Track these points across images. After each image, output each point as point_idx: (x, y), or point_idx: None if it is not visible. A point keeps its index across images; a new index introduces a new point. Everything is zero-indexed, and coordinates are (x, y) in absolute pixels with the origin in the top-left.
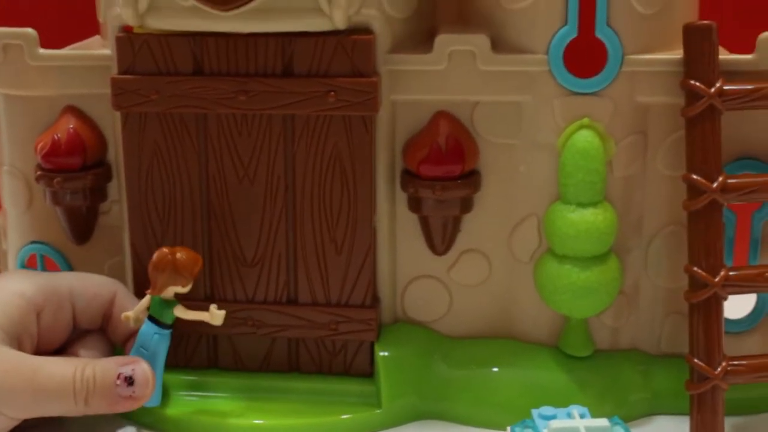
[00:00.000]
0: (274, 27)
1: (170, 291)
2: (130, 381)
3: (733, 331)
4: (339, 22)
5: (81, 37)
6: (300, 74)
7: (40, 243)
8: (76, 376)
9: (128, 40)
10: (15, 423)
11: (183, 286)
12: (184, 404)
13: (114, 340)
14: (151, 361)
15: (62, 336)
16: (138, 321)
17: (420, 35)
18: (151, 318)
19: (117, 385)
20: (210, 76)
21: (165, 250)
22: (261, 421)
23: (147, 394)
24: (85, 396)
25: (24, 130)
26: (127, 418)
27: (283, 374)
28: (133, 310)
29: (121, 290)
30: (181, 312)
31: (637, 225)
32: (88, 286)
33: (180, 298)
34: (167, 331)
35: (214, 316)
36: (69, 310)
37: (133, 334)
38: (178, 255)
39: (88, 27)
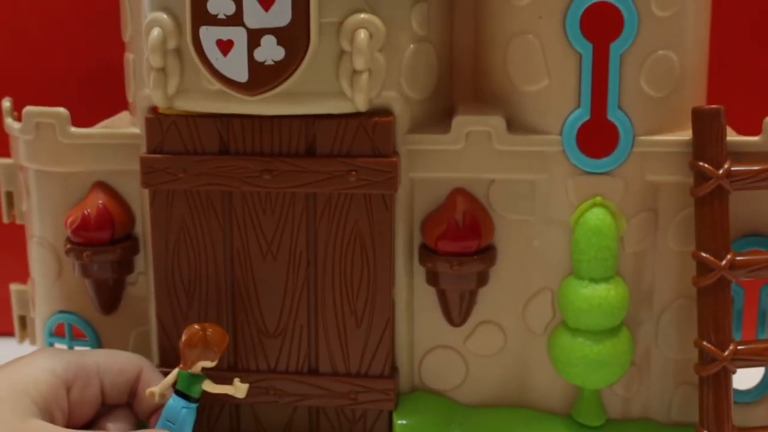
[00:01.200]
0: (299, 110)
1: (199, 366)
2: None
3: (742, 402)
4: (361, 105)
5: (107, 108)
6: (323, 154)
7: (68, 313)
8: None
9: (157, 121)
10: None
11: (212, 361)
12: None
13: (139, 415)
14: None
15: (91, 411)
16: (163, 396)
17: (438, 114)
18: (178, 392)
19: None
20: (236, 155)
21: (196, 326)
22: None
23: None
24: None
25: (54, 205)
26: None
27: None
28: (158, 385)
29: (146, 366)
30: (208, 386)
31: (648, 298)
32: (115, 363)
33: (204, 369)
34: (194, 405)
35: (238, 389)
36: (97, 386)
37: (157, 409)
38: (209, 332)
39: (115, 102)
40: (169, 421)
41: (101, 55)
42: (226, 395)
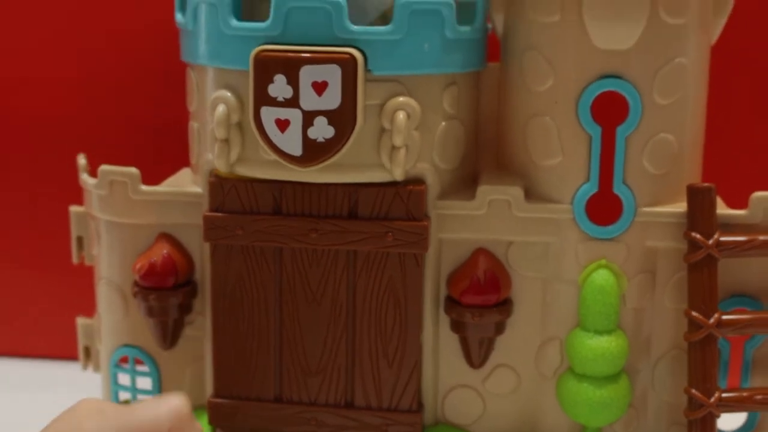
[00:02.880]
0: (344, 179)
1: None
2: None
3: None
4: (398, 175)
5: (169, 163)
6: (363, 217)
7: (132, 347)
8: None
9: (219, 184)
10: None
11: None
12: None
13: None
14: None
15: None
16: None
17: (464, 182)
18: None
19: None
20: (287, 216)
21: None
22: None
23: None
24: None
25: (123, 251)
26: None
27: None
28: None
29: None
30: None
31: (646, 349)
32: (150, 419)
33: (253, 397)
34: None
35: None
36: None
37: None
38: None
39: (177, 158)
40: None
41: (165, 115)
42: (272, 421)
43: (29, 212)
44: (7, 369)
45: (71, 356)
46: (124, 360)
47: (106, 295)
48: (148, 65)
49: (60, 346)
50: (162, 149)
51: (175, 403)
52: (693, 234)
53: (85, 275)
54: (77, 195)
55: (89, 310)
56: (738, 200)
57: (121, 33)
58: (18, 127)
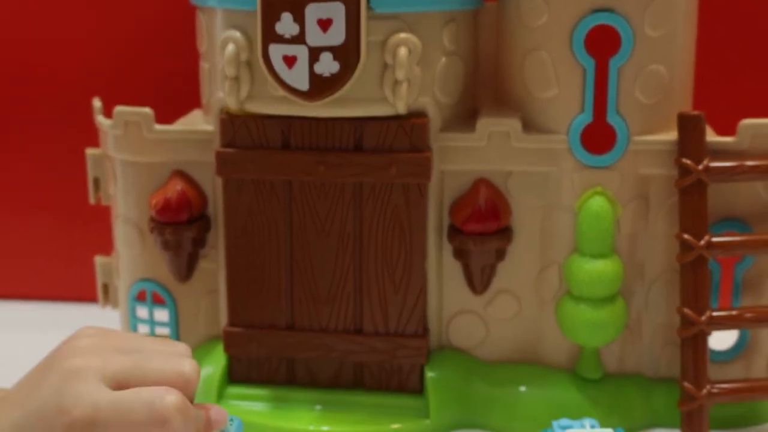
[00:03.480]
0: (349, 113)
1: None
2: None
3: (719, 360)
4: (401, 109)
5: (180, 105)
6: (368, 150)
7: (150, 280)
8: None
9: (230, 121)
10: None
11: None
12: (265, 414)
13: None
14: None
15: None
16: None
17: (464, 116)
18: None
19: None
20: (295, 150)
21: None
22: (328, 428)
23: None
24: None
25: (138, 189)
26: None
27: (349, 390)
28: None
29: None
30: None
31: (640, 272)
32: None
33: (267, 326)
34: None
35: None
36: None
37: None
38: None
39: (188, 100)
40: None
41: (175, 60)
42: (283, 347)
43: (48, 158)
44: (25, 311)
45: (89, 298)
46: (141, 295)
47: (123, 232)
48: (157, 11)
49: (79, 289)
50: (173, 92)
51: (187, 368)
52: (683, 160)
53: (101, 218)
54: (93, 139)
55: (106, 249)
56: (727, 127)
57: None
58: (35, 78)
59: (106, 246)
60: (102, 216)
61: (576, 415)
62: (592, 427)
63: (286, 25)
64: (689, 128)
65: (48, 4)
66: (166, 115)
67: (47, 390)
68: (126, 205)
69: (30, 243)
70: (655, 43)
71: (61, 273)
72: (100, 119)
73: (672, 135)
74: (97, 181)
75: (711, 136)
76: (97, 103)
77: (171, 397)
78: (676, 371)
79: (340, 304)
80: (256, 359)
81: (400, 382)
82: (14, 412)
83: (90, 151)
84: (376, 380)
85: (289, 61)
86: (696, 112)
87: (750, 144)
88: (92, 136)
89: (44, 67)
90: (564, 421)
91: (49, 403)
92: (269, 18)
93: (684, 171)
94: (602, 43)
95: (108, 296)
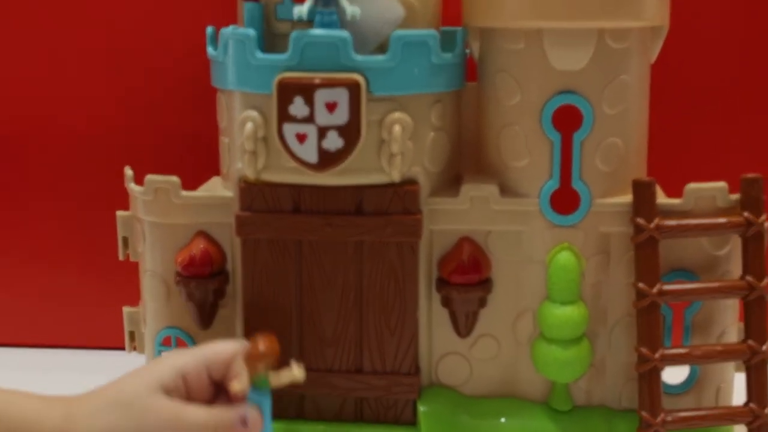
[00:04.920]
0: (351, 181)
1: (262, 369)
2: (245, 421)
3: (674, 393)
4: (395, 177)
5: (198, 171)
6: (367, 213)
7: (174, 328)
8: (209, 419)
9: (248, 188)
10: None
11: (271, 363)
12: None
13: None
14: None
15: (207, 392)
16: (244, 391)
17: (450, 182)
18: (254, 387)
19: (236, 424)
20: (305, 213)
21: (250, 347)
22: None
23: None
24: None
25: (164, 247)
26: None
27: (351, 423)
28: (238, 384)
29: (239, 352)
30: (275, 381)
31: (603, 317)
32: (217, 354)
33: (279, 367)
34: (268, 396)
35: (296, 375)
36: (205, 374)
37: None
38: (261, 347)
39: (206, 166)
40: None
41: (193, 132)
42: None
43: (76, 218)
44: (58, 358)
45: (115, 345)
46: (167, 341)
47: (150, 285)
48: (179, 90)
49: (106, 337)
50: (191, 160)
51: (234, 343)
52: (638, 220)
53: (126, 273)
54: (118, 201)
55: (131, 302)
56: (675, 191)
57: (158, 63)
58: (67, 144)
59: (132, 298)
60: (128, 271)
61: None
62: None
63: (298, 107)
64: (642, 192)
65: (86, 81)
66: (184, 181)
67: None
68: (153, 261)
69: (60, 295)
70: (613, 119)
71: (90, 322)
72: (132, 186)
73: (628, 198)
74: (125, 240)
75: (661, 198)
76: (128, 171)
77: None
78: (636, 403)
79: (343, 346)
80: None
81: (396, 415)
82: None
83: (120, 213)
84: (374, 414)
85: (301, 137)
86: (648, 179)
87: (695, 205)
88: (120, 199)
89: (75, 132)
90: None
91: None
92: (284, 101)
93: (638, 229)
94: (567, 120)
95: (134, 342)
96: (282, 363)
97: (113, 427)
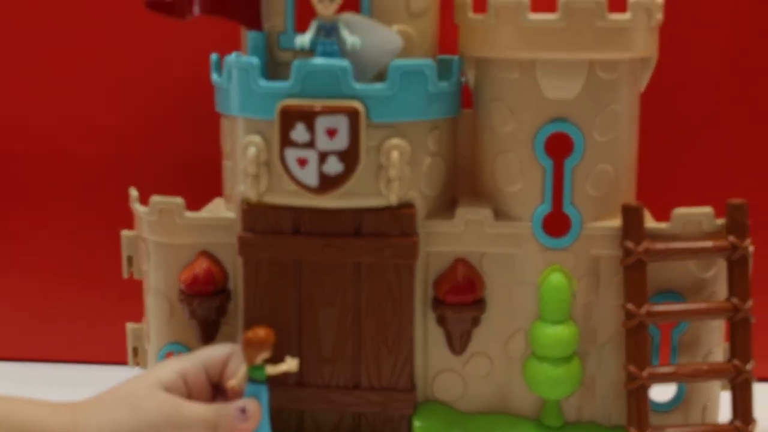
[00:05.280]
0: (351, 204)
1: (260, 359)
2: (244, 411)
3: (662, 411)
4: (393, 201)
5: (198, 193)
6: (366, 235)
7: (177, 344)
8: (209, 413)
9: (250, 210)
10: None
11: (268, 353)
12: None
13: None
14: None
15: (206, 392)
16: (240, 386)
17: (445, 205)
18: (251, 379)
19: (235, 415)
20: (305, 235)
21: (249, 333)
22: None
23: (256, 420)
24: (215, 425)
25: (168, 266)
26: None
27: None
28: (234, 380)
29: (234, 354)
30: (271, 370)
31: (593, 336)
32: (212, 355)
33: (278, 383)
34: (265, 385)
35: (291, 365)
36: (204, 375)
37: (236, 395)
38: (260, 334)
39: (206, 189)
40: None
41: (197, 152)
42: (292, 401)
43: (80, 237)
44: (60, 372)
45: (118, 361)
46: (169, 355)
47: (154, 303)
48: (183, 115)
49: (109, 352)
50: (194, 183)
51: (230, 345)
52: (627, 243)
53: (129, 291)
54: (122, 221)
55: (134, 318)
56: (663, 215)
57: (163, 89)
58: (74, 167)
59: (134, 314)
60: (131, 289)
61: None
62: None
63: (299, 133)
64: (631, 216)
65: (91, 100)
66: (187, 201)
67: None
68: (157, 280)
69: (64, 312)
70: (603, 146)
71: (93, 338)
72: (137, 206)
73: (617, 222)
74: (130, 259)
75: (650, 223)
76: (134, 192)
77: None
78: (625, 419)
79: (342, 363)
80: (270, 411)
81: (392, 430)
82: None
83: (125, 233)
84: (371, 429)
85: (302, 162)
86: (637, 203)
87: (682, 229)
88: (124, 219)
89: (79, 159)
90: None
91: None
92: (286, 127)
93: (627, 252)
94: (559, 147)
95: (137, 358)
96: (283, 383)
97: (118, 422)
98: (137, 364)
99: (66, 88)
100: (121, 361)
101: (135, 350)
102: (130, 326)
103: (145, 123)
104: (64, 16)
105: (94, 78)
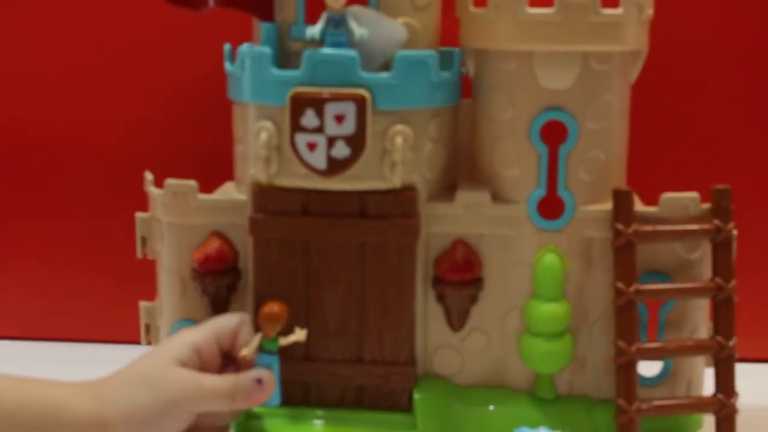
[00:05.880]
0: (356, 187)
1: (274, 332)
2: (260, 381)
3: (649, 385)
4: (396, 184)
5: (211, 177)
6: (371, 216)
7: (189, 320)
8: (226, 384)
9: (261, 192)
10: (194, 416)
11: (282, 326)
12: (284, 428)
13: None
14: None
15: (217, 363)
16: (252, 356)
17: (446, 188)
18: (264, 350)
19: (252, 385)
20: (313, 216)
21: (266, 308)
22: None
23: (271, 390)
24: (233, 395)
25: (181, 246)
26: None
27: (352, 409)
28: (247, 350)
29: (244, 324)
30: (283, 341)
31: (585, 314)
32: (224, 326)
33: (286, 357)
34: (276, 356)
35: (300, 335)
36: (216, 346)
37: (247, 364)
38: (275, 309)
39: (218, 174)
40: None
41: (209, 138)
42: (300, 374)
43: (95, 223)
44: (75, 351)
45: (130, 340)
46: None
47: (167, 281)
48: (196, 102)
49: (121, 331)
50: (205, 167)
51: (239, 314)
52: (617, 225)
53: (140, 274)
54: (134, 206)
55: (145, 297)
56: (651, 199)
57: (176, 78)
58: (88, 156)
59: (147, 296)
60: (143, 272)
61: (534, 426)
62: (545, 431)
63: (309, 118)
64: (622, 200)
65: (111, 89)
66: (199, 184)
67: None
68: (170, 259)
69: (80, 293)
70: (595, 134)
71: (108, 318)
72: (152, 189)
73: (608, 205)
74: (144, 240)
75: (639, 206)
76: (149, 175)
77: None
78: (614, 393)
79: (346, 338)
80: (280, 381)
81: (393, 402)
82: None
83: (139, 215)
84: (373, 400)
85: (311, 146)
86: (627, 188)
87: (670, 212)
88: (135, 203)
89: (97, 146)
90: (523, 429)
91: None
92: (296, 113)
93: (618, 234)
94: (554, 134)
95: (149, 335)
96: (290, 357)
97: (140, 402)
98: (149, 342)
99: (83, 79)
100: (134, 340)
101: (147, 327)
102: (143, 304)
103: (159, 112)
104: (80, 8)
105: (111, 69)
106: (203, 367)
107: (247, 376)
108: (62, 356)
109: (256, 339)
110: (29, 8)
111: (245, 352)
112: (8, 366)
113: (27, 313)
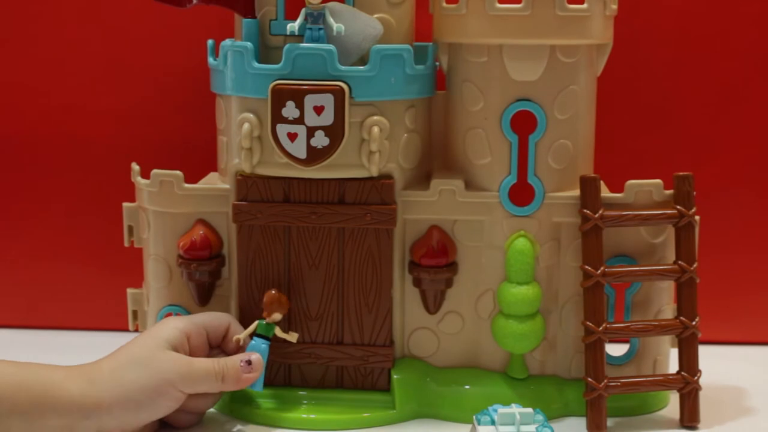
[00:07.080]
0: (335, 175)
1: (274, 317)
2: (249, 363)
3: (616, 363)
4: (374, 172)
5: (195, 168)
6: (349, 203)
7: (175, 306)
8: (216, 366)
9: (244, 181)
10: (184, 397)
11: (282, 314)
12: (268, 408)
13: (228, 353)
14: None
15: (205, 351)
16: (245, 341)
17: (421, 177)
18: (258, 335)
19: (241, 367)
20: (294, 203)
21: (273, 291)
22: (316, 416)
23: (259, 372)
24: (222, 376)
25: (167, 234)
26: (230, 413)
27: (333, 389)
28: (241, 335)
29: (233, 321)
30: (278, 332)
31: (555, 296)
32: (214, 319)
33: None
34: (268, 342)
35: (292, 336)
36: (204, 335)
37: (238, 350)
38: (284, 298)
39: (202, 164)
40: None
41: (192, 130)
42: (284, 350)
43: (82, 213)
44: (63, 339)
45: (117, 327)
46: (168, 316)
47: (153, 268)
48: (179, 95)
49: (109, 319)
50: (189, 158)
51: (228, 315)
52: (584, 211)
53: (126, 263)
54: (120, 197)
55: (135, 284)
56: (617, 186)
57: (161, 72)
58: (76, 149)
59: (135, 281)
60: (129, 261)
61: (507, 404)
62: (518, 407)
63: (290, 110)
64: (589, 187)
65: (96, 82)
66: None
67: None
68: (157, 246)
69: (68, 282)
70: (563, 124)
71: (95, 306)
72: (138, 179)
73: (576, 192)
74: (131, 228)
75: (605, 193)
76: (135, 166)
77: None
78: (583, 372)
79: (326, 321)
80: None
81: (372, 382)
82: None
83: (126, 205)
84: (353, 381)
85: (292, 136)
86: (594, 175)
87: (634, 199)
88: (123, 194)
89: (83, 139)
90: (497, 406)
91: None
92: (277, 105)
93: (585, 219)
94: (523, 124)
95: (137, 321)
96: (273, 339)
97: (134, 383)
98: (136, 328)
99: (70, 72)
100: (122, 327)
101: (134, 313)
102: (130, 291)
103: (144, 105)
104: (66, 3)
105: (97, 64)
106: (192, 353)
107: (237, 357)
108: (51, 344)
109: (253, 325)
110: (14, 4)
111: (239, 336)
112: None
113: (16, 301)
